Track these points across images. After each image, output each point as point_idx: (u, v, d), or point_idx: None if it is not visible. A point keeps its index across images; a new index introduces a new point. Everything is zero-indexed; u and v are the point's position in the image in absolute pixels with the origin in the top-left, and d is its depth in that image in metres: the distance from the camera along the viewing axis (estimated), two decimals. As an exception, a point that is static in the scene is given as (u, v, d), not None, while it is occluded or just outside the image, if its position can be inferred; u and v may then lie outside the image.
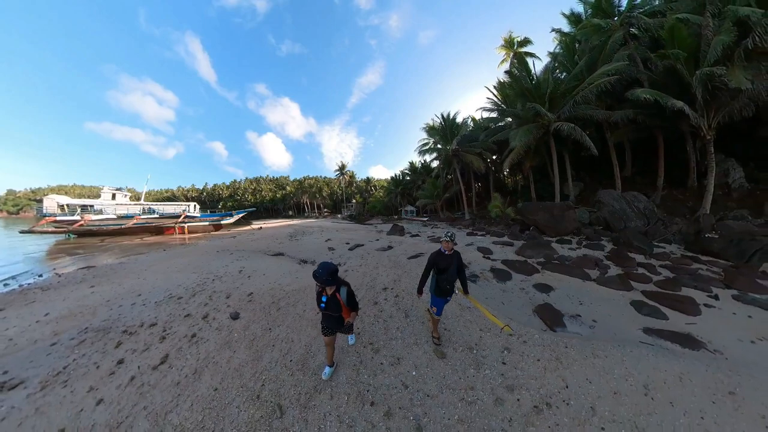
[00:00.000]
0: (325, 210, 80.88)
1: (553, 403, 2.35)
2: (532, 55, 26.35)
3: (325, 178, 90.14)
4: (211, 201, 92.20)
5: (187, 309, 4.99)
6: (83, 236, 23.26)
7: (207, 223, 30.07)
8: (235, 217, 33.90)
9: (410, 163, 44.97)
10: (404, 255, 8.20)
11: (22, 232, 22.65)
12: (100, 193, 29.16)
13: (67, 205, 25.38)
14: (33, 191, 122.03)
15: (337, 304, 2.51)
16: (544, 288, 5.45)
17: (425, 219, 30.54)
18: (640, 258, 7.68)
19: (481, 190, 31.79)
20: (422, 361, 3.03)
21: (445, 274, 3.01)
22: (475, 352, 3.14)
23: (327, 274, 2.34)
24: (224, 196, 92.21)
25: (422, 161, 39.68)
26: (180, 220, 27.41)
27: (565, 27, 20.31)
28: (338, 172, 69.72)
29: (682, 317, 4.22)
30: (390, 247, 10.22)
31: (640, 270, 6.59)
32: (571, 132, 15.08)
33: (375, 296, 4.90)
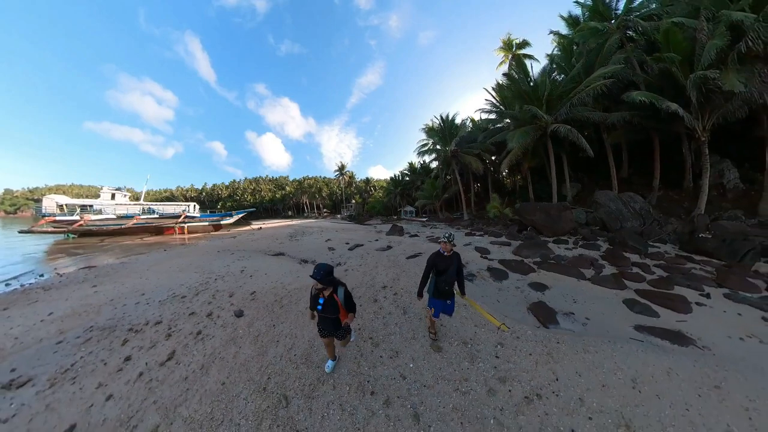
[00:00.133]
0: (325, 210, 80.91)
1: (543, 394, 2.47)
2: (530, 57, 26.54)
3: (324, 178, 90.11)
4: (210, 201, 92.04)
5: (192, 307, 5.09)
6: (83, 236, 23.27)
7: (207, 224, 30.12)
8: (235, 218, 33.95)
9: (409, 163, 45.07)
10: (403, 255, 8.32)
11: (21, 232, 22.62)
12: (98, 193, 29.16)
13: (66, 205, 25.36)
14: (30, 191, 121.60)
15: (334, 306, 2.51)
16: (540, 287, 5.57)
17: (424, 219, 30.65)
18: (635, 258, 7.80)
19: (480, 191, 31.96)
20: (419, 355, 3.15)
21: (444, 276, 3.05)
22: (469, 346, 3.26)
23: (324, 274, 2.38)
24: (223, 196, 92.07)
25: (421, 162, 39.80)
26: (180, 220, 27.45)
27: (563, 29, 20.54)
28: (338, 173, 69.80)
29: (674, 315, 4.33)
30: (389, 247, 10.33)
31: (635, 269, 6.71)
32: (568, 134, 15.23)
33: (375, 294, 5.02)
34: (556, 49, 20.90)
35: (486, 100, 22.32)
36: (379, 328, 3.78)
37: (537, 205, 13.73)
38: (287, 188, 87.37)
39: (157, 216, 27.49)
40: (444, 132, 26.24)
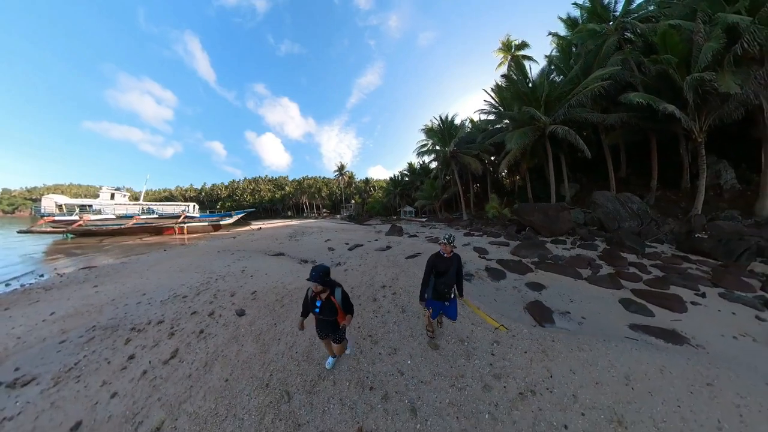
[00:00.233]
0: (324, 210, 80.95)
1: (537, 391, 2.53)
2: (529, 58, 26.64)
3: (324, 178, 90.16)
4: (209, 201, 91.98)
5: (193, 307, 5.15)
6: (82, 236, 23.27)
7: (206, 224, 30.15)
8: (235, 218, 33.99)
9: (409, 164, 45.17)
10: (402, 255, 8.38)
11: (20, 232, 22.63)
12: (97, 193, 29.14)
13: (65, 204, 25.36)
14: (29, 190, 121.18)
15: (332, 308, 2.51)
16: (537, 286, 5.64)
17: (424, 219, 30.74)
18: (632, 258, 7.87)
19: (479, 191, 32.08)
20: (417, 352, 3.21)
21: (443, 278, 3.04)
22: (466, 344, 3.32)
23: (321, 275, 2.39)
24: (223, 196, 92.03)
25: (421, 162, 39.94)
26: (180, 220, 27.47)
27: (562, 31, 20.64)
28: (337, 173, 69.87)
29: (669, 314, 4.38)
30: (389, 247, 10.39)
31: (632, 269, 6.79)
32: (566, 135, 15.32)
33: (374, 293, 5.09)
34: (554, 50, 21.02)
35: (485, 101, 22.44)
36: (378, 326, 3.85)
37: (535, 206, 13.82)
38: (287, 188, 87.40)
39: (157, 216, 27.51)
40: (443, 132, 26.33)
